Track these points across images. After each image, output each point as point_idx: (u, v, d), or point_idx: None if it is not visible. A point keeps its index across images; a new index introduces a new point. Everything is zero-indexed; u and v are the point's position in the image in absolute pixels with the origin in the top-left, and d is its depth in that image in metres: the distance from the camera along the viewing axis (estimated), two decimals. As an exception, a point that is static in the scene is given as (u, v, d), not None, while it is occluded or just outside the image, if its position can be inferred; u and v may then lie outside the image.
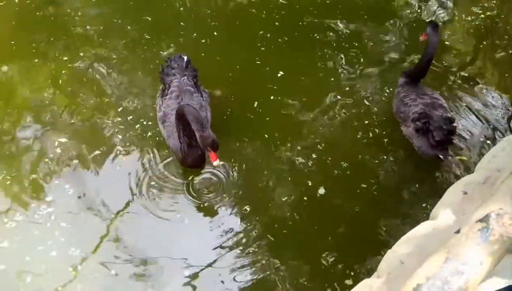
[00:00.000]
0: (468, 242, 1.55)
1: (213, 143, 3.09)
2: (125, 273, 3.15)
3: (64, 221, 3.33)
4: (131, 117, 3.85)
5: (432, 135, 3.47)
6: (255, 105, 3.96)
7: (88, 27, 4.45)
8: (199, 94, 3.67)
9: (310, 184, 3.54)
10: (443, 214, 2.61)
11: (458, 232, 1.60)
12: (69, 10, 4.57)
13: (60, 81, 4.09)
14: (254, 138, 3.77)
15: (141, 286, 3.13)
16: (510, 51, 4.51)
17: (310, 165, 3.64)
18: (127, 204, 3.46)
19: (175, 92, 3.62)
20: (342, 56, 4.35)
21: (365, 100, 4.06)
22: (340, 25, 4.56)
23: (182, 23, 4.54)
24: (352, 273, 3.15)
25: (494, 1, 4.86)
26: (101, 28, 4.46)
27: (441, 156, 3.51)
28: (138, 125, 3.81)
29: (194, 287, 3.14)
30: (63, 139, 3.72)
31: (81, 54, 4.24)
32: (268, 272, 3.18)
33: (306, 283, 3.15)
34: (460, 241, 1.56)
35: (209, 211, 3.44)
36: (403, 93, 3.83)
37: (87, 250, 3.23)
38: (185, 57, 3.80)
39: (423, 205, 3.45)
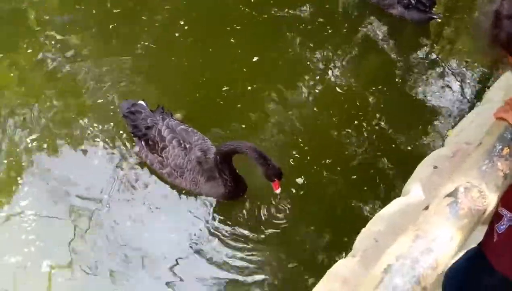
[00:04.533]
0: (437, 218, 1.52)
1: (280, 174, 3.08)
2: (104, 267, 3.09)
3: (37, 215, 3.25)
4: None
5: (421, 1, 4.33)
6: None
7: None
8: (187, 126, 3.45)
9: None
10: (415, 189, 2.61)
11: (426, 208, 1.57)
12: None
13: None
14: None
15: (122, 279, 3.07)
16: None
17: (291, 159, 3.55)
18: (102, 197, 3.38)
19: (174, 139, 3.33)
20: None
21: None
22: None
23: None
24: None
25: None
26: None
27: (434, 16, 4.42)
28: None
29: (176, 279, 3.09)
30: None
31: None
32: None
33: (290, 266, 3.13)
34: (429, 218, 1.54)
35: (189, 201, 3.38)
36: None
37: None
38: (143, 102, 3.55)
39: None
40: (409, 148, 3.66)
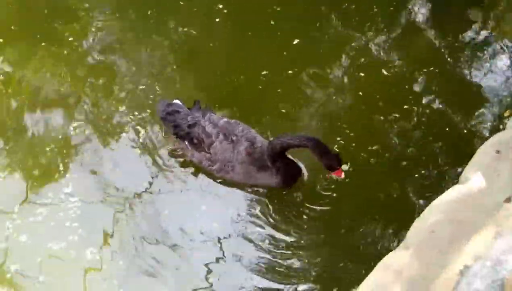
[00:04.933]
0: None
1: (340, 162, 3.01)
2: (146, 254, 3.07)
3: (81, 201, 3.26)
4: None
5: None
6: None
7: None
8: (229, 119, 3.36)
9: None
10: (475, 176, 2.40)
11: (508, 200, 1.37)
12: None
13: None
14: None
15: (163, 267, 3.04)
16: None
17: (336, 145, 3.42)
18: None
19: (220, 134, 3.24)
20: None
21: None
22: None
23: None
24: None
25: None
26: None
27: None
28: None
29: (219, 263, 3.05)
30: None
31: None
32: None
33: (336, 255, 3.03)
34: None
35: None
36: None
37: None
38: (178, 101, 3.45)
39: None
40: (465, 131, 3.43)
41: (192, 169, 3.38)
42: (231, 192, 3.31)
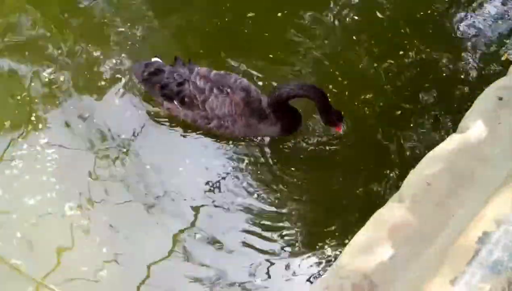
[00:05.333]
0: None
1: (341, 117, 2.94)
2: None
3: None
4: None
5: None
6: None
7: None
8: (218, 71, 3.13)
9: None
10: (476, 124, 2.24)
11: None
12: None
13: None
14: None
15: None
16: None
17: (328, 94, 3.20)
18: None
19: (214, 88, 3.01)
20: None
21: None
22: None
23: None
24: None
25: None
26: None
27: None
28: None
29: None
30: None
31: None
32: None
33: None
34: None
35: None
36: None
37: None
38: (158, 59, 3.17)
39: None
40: (462, 77, 3.26)
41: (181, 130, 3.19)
42: (217, 144, 3.16)
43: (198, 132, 3.17)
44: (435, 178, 2.10)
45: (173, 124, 3.20)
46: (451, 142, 2.25)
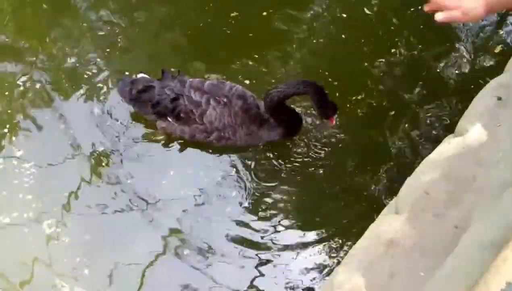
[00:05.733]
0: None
1: (336, 110, 2.87)
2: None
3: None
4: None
5: None
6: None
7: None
8: (210, 80, 3.00)
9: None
10: (474, 127, 2.12)
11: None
12: None
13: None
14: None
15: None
16: None
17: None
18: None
19: (210, 99, 2.87)
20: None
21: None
22: None
23: None
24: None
25: None
26: None
27: None
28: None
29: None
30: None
31: None
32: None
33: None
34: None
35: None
36: None
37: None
38: (144, 75, 2.99)
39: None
40: (456, 72, 3.15)
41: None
42: (203, 154, 3.01)
43: (179, 141, 3.02)
44: (434, 185, 1.97)
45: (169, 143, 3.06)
46: (449, 146, 2.12)
